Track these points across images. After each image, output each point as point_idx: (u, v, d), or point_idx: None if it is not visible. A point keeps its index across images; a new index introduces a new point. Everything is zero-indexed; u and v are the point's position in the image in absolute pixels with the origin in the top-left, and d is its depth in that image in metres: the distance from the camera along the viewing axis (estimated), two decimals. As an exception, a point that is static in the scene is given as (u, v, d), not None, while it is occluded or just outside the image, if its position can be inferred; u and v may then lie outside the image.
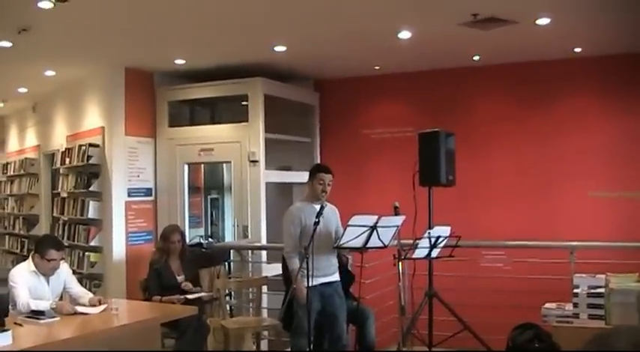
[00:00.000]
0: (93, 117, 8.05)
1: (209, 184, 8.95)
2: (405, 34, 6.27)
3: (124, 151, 7.67)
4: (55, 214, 9.01)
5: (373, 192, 8.09)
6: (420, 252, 5.01)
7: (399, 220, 4.86)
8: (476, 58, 7.43)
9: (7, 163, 11.59)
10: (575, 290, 5.13)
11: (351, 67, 8.00)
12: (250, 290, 6.70)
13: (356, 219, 4.62)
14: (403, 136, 7.88)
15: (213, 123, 8.45)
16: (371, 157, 8.48)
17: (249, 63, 7.38)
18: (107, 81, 7.80)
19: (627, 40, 6.62)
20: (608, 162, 7.31)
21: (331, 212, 5.11)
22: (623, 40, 6.65)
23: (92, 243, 7.76)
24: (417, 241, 4.97)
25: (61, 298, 4.88)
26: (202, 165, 8.65)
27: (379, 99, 8.54)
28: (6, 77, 8.15)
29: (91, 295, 4.90)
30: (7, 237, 11.40)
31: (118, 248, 7.53)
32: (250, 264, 7.29)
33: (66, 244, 7.19)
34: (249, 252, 7.30)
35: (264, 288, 6.47)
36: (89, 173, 7.87)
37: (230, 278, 7.03)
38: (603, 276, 5.14)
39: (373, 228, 4.66)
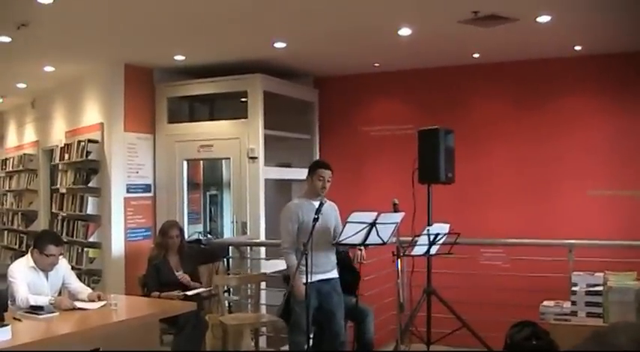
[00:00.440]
0: (92, 113, 8.05)
1: (208, 180, 8.95)
2: (405, 32, 6.27)
3: (123, 147, 7.66)
4: (53, 210, 9.00)
5: (372, 189, 8.10)
6: (419, 249, 5.02)
7: (398, 217, 4.86)
8: (476, 55, 7.43)
9: (6, 159, 11.57)
10: (574, 288, 5.15)
11: (351, 64, 7.99)
12: (249, 286, 6.70)
13: (355, 216, 4.62)
14: (402, 134, 7.88)
15: (213, 119, 8.44)
16: (370, 154, 8.48)
17: (248, 59, 7.38)
18: (106, 77, 7.79)
19: (627, 39, 6.62)
20: (607, 160, 7.32)
21: (330, 208, 5.11)
22: (622, 39, 6.65)
23: (91, 239, 7.76)
24: (416, 238, 4.97)
25: (59, 294, 4.88)
26: (201, 162, 8.64)
27: (379, 97, 8.54)
28: (5, 73, 8.13)
29: (90, 290, 4.90)
30: (5, 232, 11.39)
31: (117, 244, 7.53)
32: (249, 261, 7.30)
33: (65, 240, 7.16)
34: (248, 248, 7.31)
35: (263, 285, 6.48)
36: (88, 169, 7.87)
37: (229, 274, 7.03)
38: (601, 275, 5.16)
39: (372, 224, 4.67)
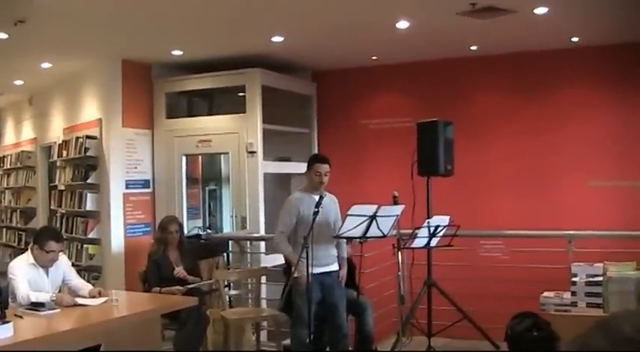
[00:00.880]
0: (90, 110, 8.03)
1: (207, 175, 8.94)
2: (403, 24, 6.26)
3: (122, 143, 7.65)
4: (52, 207, 9.00)
5: (371, 182, 8.09)
6: (419, 242, 5.03)
7: (398, 210, 4.87)
8: (474, 48, 7.42)
9: (4, 156, 11.55)
10: (574, 279, 5.15)
11: (349, 57, 7.98)
12: (249, 280, 6.70)
13: (356, 209, 4.63)
14: (401, 127, 7.87)
15: (211, 114, 8.43)
16: (369, 147, 8.47)
17: (246, 54, 7.36)
18: (104, 73, 7.77)
19: (625, 29, 6.61)
20: (607, 151, 7.32)
21: (330, 202, 5.12)
22: (620, 30, 6.64)
23: (90, 236, 7.76)
24: (417, 230, 4.98)
25: (59, 290, 4.87)
26: (200, 157, 8.63)
27: (377, 90, 8.53)
28: (2, 69, 8.10)
29: (90, 287, 4.90)
30: (4, 230, 11.38)
31: (117, 240, 7.53)
32: (249, 255, 7.30)
33: (64, 237, 7.18)
34: (248, 242, 7.31)
35: (263, 279, 6.48)
36: (86, 165, 7.86)
37: (229, 269, 7.04)
38: (601, 265, 5.17)
39: (373, 217, 4.67)
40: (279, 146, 8.29)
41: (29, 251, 4.74)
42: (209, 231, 7.70)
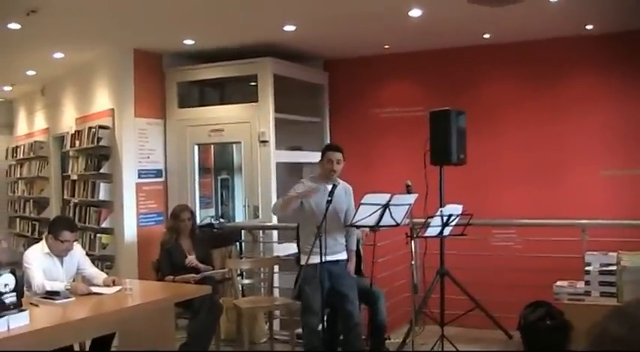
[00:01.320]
0: (102, 100, 8.05)
1: (219, 165, 8.96)
2: (415, 13, 6.22)
3: (134, 133, 7.68)
4: (65, 197, 9.04)
5: (384, 172, 8.08)
6: (432, 231, 5.01)
7: (411, 198, 4.85)
8: (486, 36, 7.37)
9: (17, 147, 11.60)
10: (587, 268, 5.13)
11: (361, 46, 7.95)
12: (262, 269, 6.73)
13: (369, 198, 4.62)
14: (413, 115, 7.85)
15: (223, 103, 8.43)
16: (381, 136, 8.45)
17: (258, 43, 7.35)
18: (116, 62, 7.78)
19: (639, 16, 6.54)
20: (621, 140, 7.26)
21: (343, 191, 5.11)
22: (635, 17, 6.57)
23: (103, 225, 7.80)
24: (429, 219, 4.96)
25: (74, 280, 4.90)
26: (212, 146, 8.64)
27: (389, 79, 8.50)
28: (14, 60, 8.13)
29: (104, 276, 4.93)
30: (17, 220, 11.46)
31: (129, 229, 7.56)
32: (262, 244, 7.32)
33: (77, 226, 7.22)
34: (261, 231, 7.32)
35: (276, 268, 6.50)
36: (99, 155, 7.88)
37: (242, 258, 7.06)
38: (615, 254, 5.15)
39: (386, 206, 4.67)
40: (291, 135, 8.29)
41: (44, 240, 4.77)
42: (222, 220, 7.71)
